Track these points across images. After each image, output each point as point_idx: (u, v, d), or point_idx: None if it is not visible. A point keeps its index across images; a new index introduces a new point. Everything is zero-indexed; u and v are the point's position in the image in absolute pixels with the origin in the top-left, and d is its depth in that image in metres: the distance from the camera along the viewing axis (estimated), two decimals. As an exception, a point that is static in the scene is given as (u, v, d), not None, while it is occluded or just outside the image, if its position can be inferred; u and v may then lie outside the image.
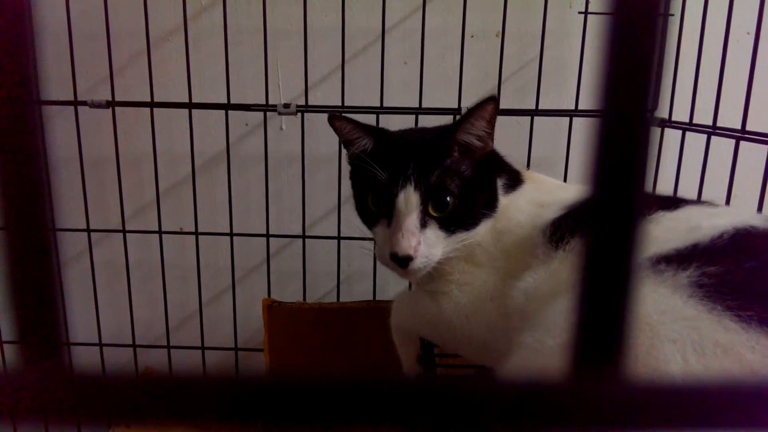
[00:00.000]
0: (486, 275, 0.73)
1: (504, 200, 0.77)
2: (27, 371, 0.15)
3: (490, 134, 0.75)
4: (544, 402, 0.15)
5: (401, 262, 0.70)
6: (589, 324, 0.15)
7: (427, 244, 0.71)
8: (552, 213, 0.70)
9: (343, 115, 0.78)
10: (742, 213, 0.59)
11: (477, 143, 0.74)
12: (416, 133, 0.82)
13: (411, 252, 0.69)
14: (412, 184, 0.71)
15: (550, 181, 0.87)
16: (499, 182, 0.78)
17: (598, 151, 0.14)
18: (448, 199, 0.71)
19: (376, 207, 0.75)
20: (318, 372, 0.15)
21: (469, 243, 0.73)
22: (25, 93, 0.14)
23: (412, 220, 0.70)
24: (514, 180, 0.80)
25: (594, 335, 0.15)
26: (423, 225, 0.71)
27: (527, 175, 0.83)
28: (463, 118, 0.73)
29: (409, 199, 0.70)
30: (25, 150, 0.15)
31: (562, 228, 0.66)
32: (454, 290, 0.75)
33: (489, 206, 0.75)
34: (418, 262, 0.70)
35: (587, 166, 0.16)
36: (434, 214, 0.72)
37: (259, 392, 0.14)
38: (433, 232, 0.71)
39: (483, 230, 0.74)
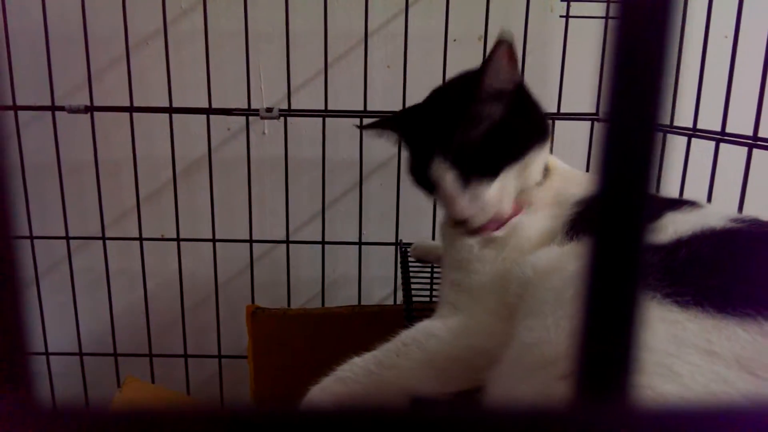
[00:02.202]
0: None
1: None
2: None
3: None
4: (547, 430, 0.14)
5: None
6: (594, 344, 0.14)
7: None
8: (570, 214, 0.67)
9: (363, 124, 0.81)
10: (712, 214, 0.56)
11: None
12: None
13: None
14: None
15: (570, 172, 0.80)
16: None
17: (605, 157, 0.14)
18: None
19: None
20: (303, 394, 0.14)
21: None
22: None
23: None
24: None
25: (599, 357, 0.14)
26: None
27: (550, 162, 0.77)
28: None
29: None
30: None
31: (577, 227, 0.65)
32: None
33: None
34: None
35: (595, 173, 0.15)
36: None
37: (245, 426, 0.13)
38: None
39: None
